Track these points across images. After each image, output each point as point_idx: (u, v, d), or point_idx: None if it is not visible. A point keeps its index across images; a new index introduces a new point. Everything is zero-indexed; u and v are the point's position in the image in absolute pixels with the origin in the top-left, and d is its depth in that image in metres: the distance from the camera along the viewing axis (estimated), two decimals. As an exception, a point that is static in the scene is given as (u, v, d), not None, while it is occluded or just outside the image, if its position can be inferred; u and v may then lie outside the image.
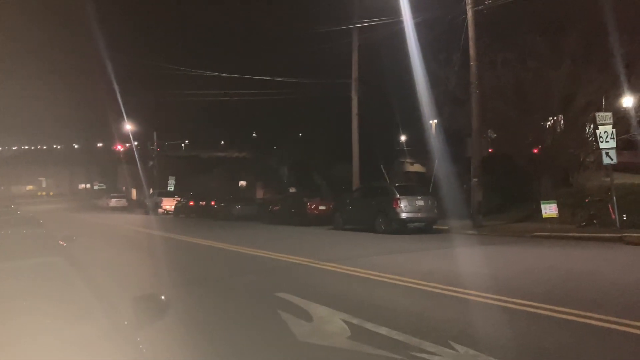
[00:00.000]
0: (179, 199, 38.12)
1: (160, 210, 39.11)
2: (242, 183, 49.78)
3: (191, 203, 35.43)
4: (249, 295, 7.97)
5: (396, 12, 19.72)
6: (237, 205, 30.44)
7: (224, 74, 27.27)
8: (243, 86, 31.81)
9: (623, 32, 17.26)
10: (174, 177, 45.46)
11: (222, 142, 62.99)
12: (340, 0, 25.63)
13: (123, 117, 41.23)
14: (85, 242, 14.92)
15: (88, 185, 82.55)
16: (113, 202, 50.18)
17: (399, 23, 20.12)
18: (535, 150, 20.32)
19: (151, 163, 46.93)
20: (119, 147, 47.19)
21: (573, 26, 18.29)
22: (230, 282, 9.24)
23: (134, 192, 60.30)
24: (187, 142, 64.42)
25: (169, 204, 39.07)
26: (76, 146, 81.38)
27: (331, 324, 5.90)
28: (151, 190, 43.71)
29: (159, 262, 12.39)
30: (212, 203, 32.81)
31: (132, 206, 50.06)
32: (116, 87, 31.42)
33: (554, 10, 19.34)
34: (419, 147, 38.46)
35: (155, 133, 46.52)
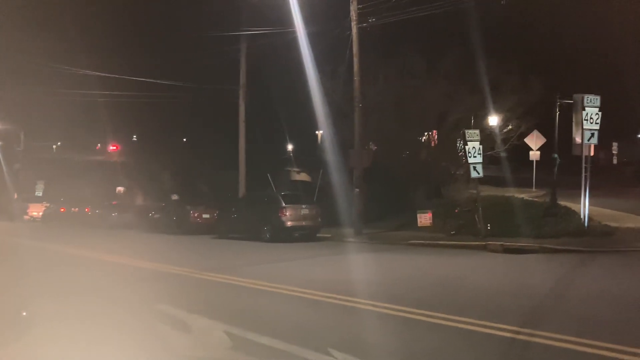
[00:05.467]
0: (48, 204, 35.44)
1: (26, 217, 36.07)
2: (120, 189, 47.16)
3: (62, 209, 33.07)
4: (125, 308, 7.54)
5: (285, 22, 19.96)
6: (114, 213, 28.86)
7: (103, 74, 25.77)
8: (124, 87, 30.17)
9: (491, 58, 19.07)
10: (43, 182, 42.07)
11: (99, 145, 59.35)
12: (230, 6, 25.41)
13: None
14: None
15: (-61, 189, 73.38)
16: (-30, 207, 45.26)
17: (287, 34, 20.39)
18: None
19: (17, 166, 43.05)
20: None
21: (449, 49, 19.79)
22: (105, 294, 8.68)
23: (-5, 196, 54.72)
24: (59, 144, 59.85)
25: (36, 210, 36.12)
26: None
27: (212, 335, 5.79)
28: (16, 195, 40.12)
29: (24, 273, 11.31)
30: (87, 210, 30.88)
31: (-7, 212, 45.48)
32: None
33: (433, 33, 20.83)
34: (306, 157, 39.14)
35: (22, 133, 42.74)
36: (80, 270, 11.91)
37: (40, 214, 35.16)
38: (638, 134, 50.17)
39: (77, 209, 31.93)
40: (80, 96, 29.77)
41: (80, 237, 21.93)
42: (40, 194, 40.56)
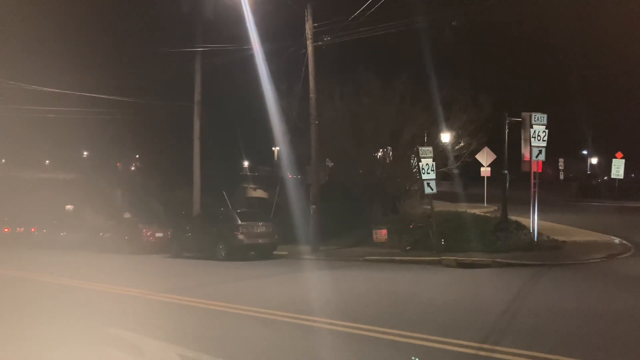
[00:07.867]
0: (-10, 225, 33.85)
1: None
2: (69, 207, 45.60)
3: (6, 230, 31.68)
4: (74, 332, 7.22)
5: (241, 39, 19.94)
6: (63, 232, 27.84)
7: (51, 89, 24.88)
8: (74, 103, 29.24)
9: (443, 77, 19.60)
10: (-15, 200, 40.16)
11: (47, 162, 57.37)
12: (185, 22, 25.23)
13: None
14: None
15: None
16: None
17: (243, 51, 20.36)
18: None
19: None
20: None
21: (403, 68, 20.23)
22: (52, 317, 8.30)
23: None
24: (3, 161, 57.52)
25: (-23, 231, 34.44)
26: None
27: (166, 359, 5.61)
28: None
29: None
30: (33, 229, 29.68)
31: None
32: None
33: (387, 52, 21.28)
34: (262, 173, 39.03)
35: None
36: (24, 293, 11.37)
37: (-18, 234, 33.56)
38: (582, 151, 52.51)
39: (22, 228, 30.68)
40: (27, 112, 28.69)
41: (25, 258, 21.01)
42: (-17, 214, 38.68)
